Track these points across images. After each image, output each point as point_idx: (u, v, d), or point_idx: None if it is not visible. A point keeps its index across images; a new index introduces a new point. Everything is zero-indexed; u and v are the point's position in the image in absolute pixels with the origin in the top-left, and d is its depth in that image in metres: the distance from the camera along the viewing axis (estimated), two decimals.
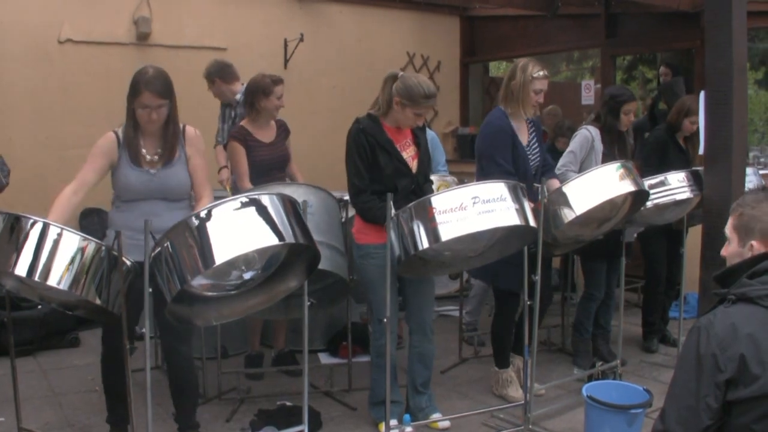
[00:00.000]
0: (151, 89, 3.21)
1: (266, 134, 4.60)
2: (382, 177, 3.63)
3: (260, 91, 4.50)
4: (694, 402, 1.97)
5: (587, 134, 4.56)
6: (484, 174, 3.94)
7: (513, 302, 4.18)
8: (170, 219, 3.17)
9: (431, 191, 3.83)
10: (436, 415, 3.93)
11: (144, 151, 3.34)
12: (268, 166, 4.55)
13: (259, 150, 4.52)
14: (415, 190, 3.68)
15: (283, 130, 4.72)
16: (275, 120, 4.69)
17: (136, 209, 3.32)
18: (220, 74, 5.25)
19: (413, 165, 3.73)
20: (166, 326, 3.25)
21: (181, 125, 3.43)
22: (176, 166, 3.38)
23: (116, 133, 3.36)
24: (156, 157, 3.35)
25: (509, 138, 4.00)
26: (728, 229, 2.24)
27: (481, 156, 4.11)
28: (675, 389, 2.06)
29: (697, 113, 4.94)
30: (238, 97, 5.18)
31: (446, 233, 3.24)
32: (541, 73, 4.01)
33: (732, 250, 2.22)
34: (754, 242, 2.15)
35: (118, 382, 3.17)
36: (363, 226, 3.69)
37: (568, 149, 4.60)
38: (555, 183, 4.08)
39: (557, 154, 4.90)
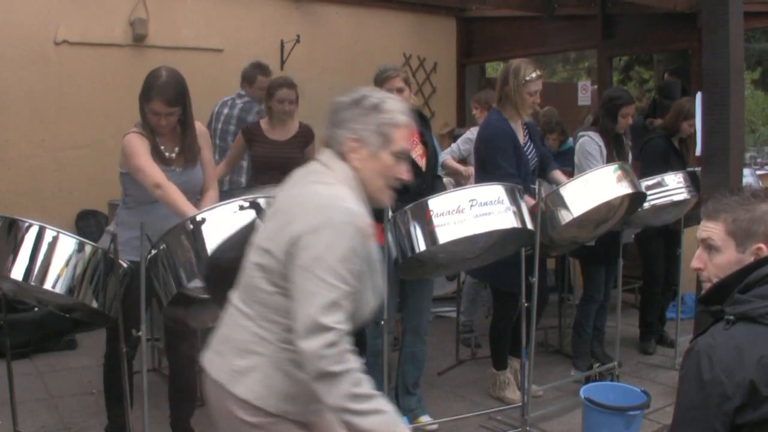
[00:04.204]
0: (161, 98, 3.12)
1: (279, 133, 4.53)
2: None
3: (267, 91, 4.55)
4: (701, 430, 1.85)
5: (591, 140, 4.54)
6: (487, 177, 3.86)
7: (512, 303, 4.16)
8: None
9: (443, 188, 3.79)
10: (424, 418, 3.93)
11: (162, 148, 3.26)
12: (265, 164, 4.47)
13: (260, 145, 4.49)
14: (425, 190, 3.60)
15: (303, 134, 4.59)
16: (300, 123, 4.62)
17: (154, 211, 3.20)
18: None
19: (422, 163, 3.71)
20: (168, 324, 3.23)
21: None
22: (197, 164, 3.36)
23: (138, 133, 3.22)
24: (173, 155, 3.28)
25: (510, 140, 3.97)
26: (718, 237, 2.03)
27: (483, 159, 4.07)
28: (680, 416, 1.94)
29: (694, 115, 4.94)
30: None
31: (444, 236, 3.23)
32: (534, 74, 3.98)
33: (726, 259, 2.02)
34: (762, 245, 1.98)
35: (129, 384, 3.14)
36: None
37: (586, 158, 4.51)
38: (559, 174, 4.08)
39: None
